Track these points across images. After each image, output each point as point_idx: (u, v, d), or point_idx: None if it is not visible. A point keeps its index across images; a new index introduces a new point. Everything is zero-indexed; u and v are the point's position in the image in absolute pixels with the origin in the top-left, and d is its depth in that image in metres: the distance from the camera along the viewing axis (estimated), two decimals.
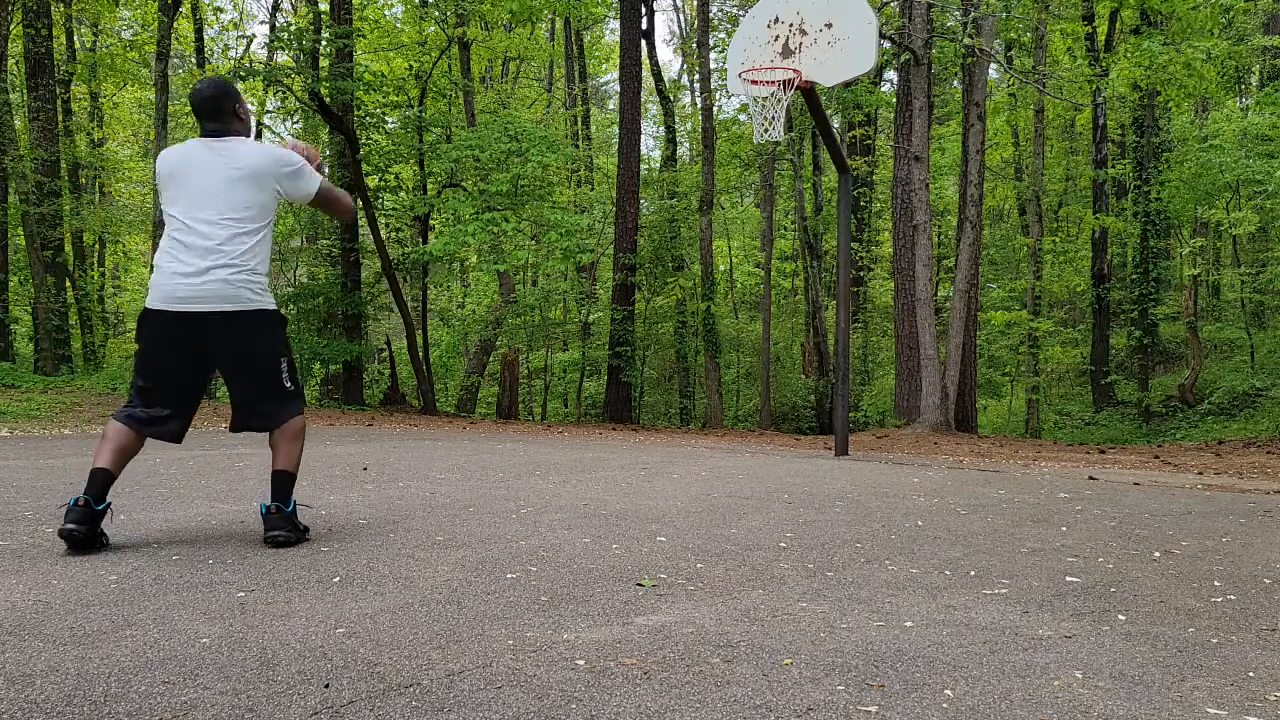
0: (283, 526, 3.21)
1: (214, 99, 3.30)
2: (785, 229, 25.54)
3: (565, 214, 15.87)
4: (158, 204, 17.37)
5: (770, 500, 4.64)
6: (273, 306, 3.34)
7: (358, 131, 15.77)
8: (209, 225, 3.20)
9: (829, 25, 7.26)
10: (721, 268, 24.81)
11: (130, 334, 22.22)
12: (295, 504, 3.35)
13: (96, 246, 22.12)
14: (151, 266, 3.48)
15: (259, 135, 23.81)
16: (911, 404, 13.14)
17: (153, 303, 3.21)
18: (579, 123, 26.34)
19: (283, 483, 3.29)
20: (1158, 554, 3.40)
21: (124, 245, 24.56)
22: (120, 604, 2.38)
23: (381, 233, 16.85)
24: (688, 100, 28.72)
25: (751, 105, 7.62)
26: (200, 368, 3.31)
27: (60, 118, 17.19)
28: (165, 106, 17.32)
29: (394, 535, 3.43)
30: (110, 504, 3.15)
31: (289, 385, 3.35)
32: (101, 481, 3.09)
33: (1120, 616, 2.52)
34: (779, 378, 21.63)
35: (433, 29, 19.42)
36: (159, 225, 17.31)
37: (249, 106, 3.51)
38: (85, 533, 3.01)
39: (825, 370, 20.47)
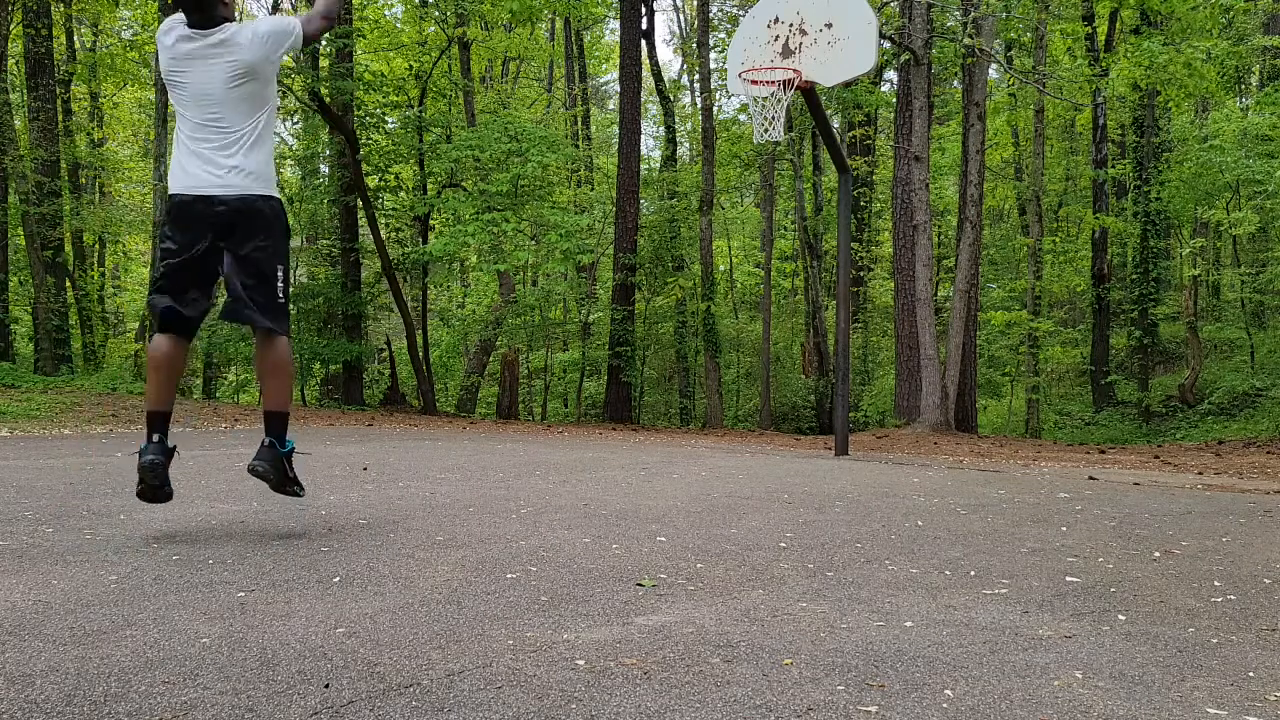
0: (266, 459, 3.23)
1: None
2: (785, 229, 25.55)
3: (565, 214, 15.88)
4: (159, 205, 17.30)
5: (770, 500, 4.64)
6: (278, 198, 3.36)
7: (358, 131, 15.77)
8: (219, 133, 3.21)
9: (829, 25, 7.26)
10: (721, 268, 24.81)
11: (131, 333, 22.26)
12: (292, 447, 3.32)
13: (96, 246, 22.12)
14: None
15: None
16: (911, 404, 13.14)
17: (174, 190, 3.26)
18: (579, 123, 26.34)
19: (273, 422, 3.29)
20: (1158, 554, 3.40)
21: (124, 245, 24.56)
22: (120, 604, 2.38)
23: (381, 233, 16.85)
24: (688, 100, 28.72)
25: (751, 105, 7.63)
26: (214, 251, 3.27)
27: (60, 118, 17.19)
28: (165, 106, 17.32)
29: (394, 535, 3.43)
30: (176, 446, 3.30)
31: (281, 298, 3.31)
32: (161, 422, 3.20)
33: (1120, 616, 2.52)
34: (779, 378, 21.63)
35: (433, 29, 19.42)
36: (159, 226, 17.33)
37: None
38: (164, 463, 3.16)
39: (825, 370, 20.47)
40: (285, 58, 3.36)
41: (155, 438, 3.18)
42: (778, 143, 17.28)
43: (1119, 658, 2.15)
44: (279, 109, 22.10)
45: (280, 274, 3.31)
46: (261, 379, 3.32)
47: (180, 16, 3.24)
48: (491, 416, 18.33)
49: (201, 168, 3.23)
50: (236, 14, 3.37)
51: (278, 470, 3.24)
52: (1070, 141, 24.91)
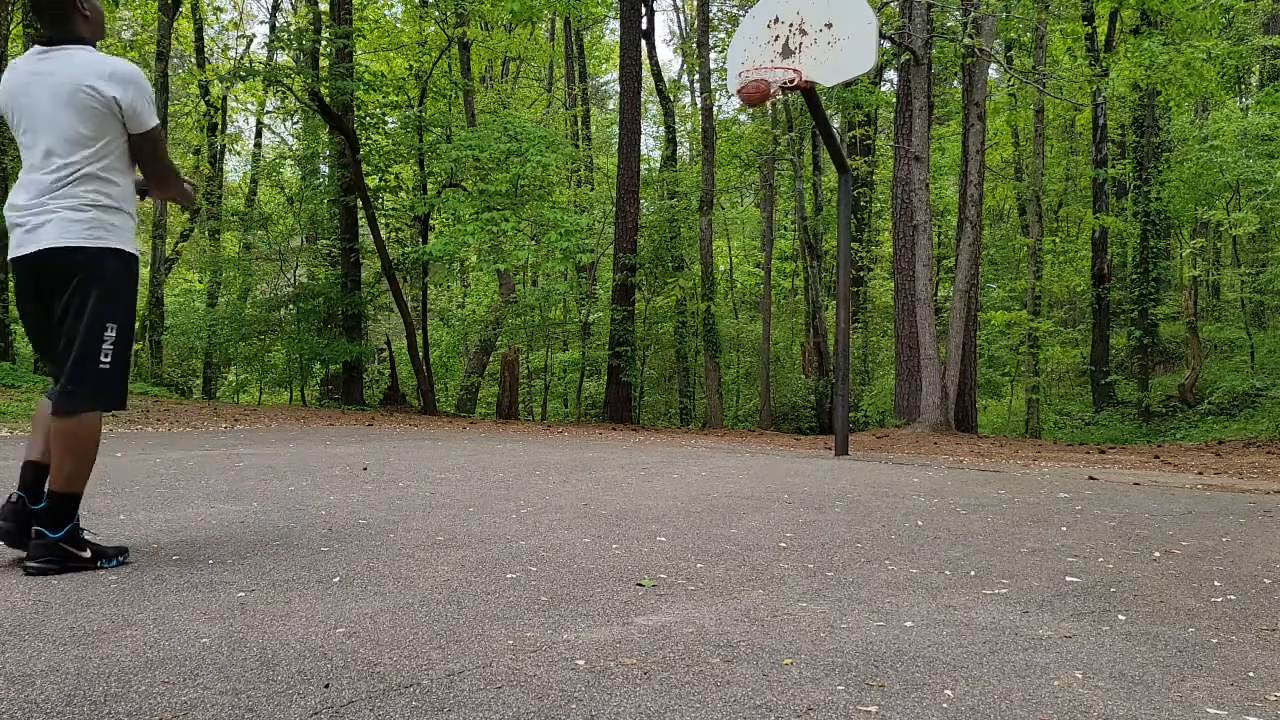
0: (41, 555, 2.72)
1: None
2: (785, 229, 25.55)
3: (565, 214, 15.87)
4: (159, 205, 17.30)
5: (770, 500, 4.64)
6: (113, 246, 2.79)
7: (358, 131, 15.77)
8: (41, 157, 2.76)
9: (829, 25, 7.26)
10: (721, 268, 24.82)
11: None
12: (75, 525, 2.79)
13: None
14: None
15: (259, 135, 23.84)
16: (911, 404, 13.14)
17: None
18: (579, 123, 26.34)
19: (54, 504, 2.74)
20: (1158, 554, 3.40)
21: None
22: (120, 604, 2.38)
23: (381, 233, 16.85)
24: (688, 100, 28.73)
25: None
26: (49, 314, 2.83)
27: None
28: (165, 106, 17.34)
29: (394, 535, 3.43)
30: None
31: (105, 361, 2.76)
32: (32, 476, 2.85)
33: (1120, 616, 2.52)
34: (779, 378, 21.64)
35: (433, 29, 19.42)
36: (158, 226, 17.35)
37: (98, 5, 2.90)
38: (12, 529, 2.81)
39: (825, 370, 20.47)
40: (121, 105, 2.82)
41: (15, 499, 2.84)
42: (778, 143, 17.27)
43: (1119, 658, 2.15)
44: (279, 109, 22.03)
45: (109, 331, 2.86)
46: (51, 444, 2.81)
47: None
48: (491, 416, 18.33)
49: None
50: (101, 33, 2.94)
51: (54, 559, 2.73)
52: (1070, 141, 24.91)
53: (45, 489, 2.77)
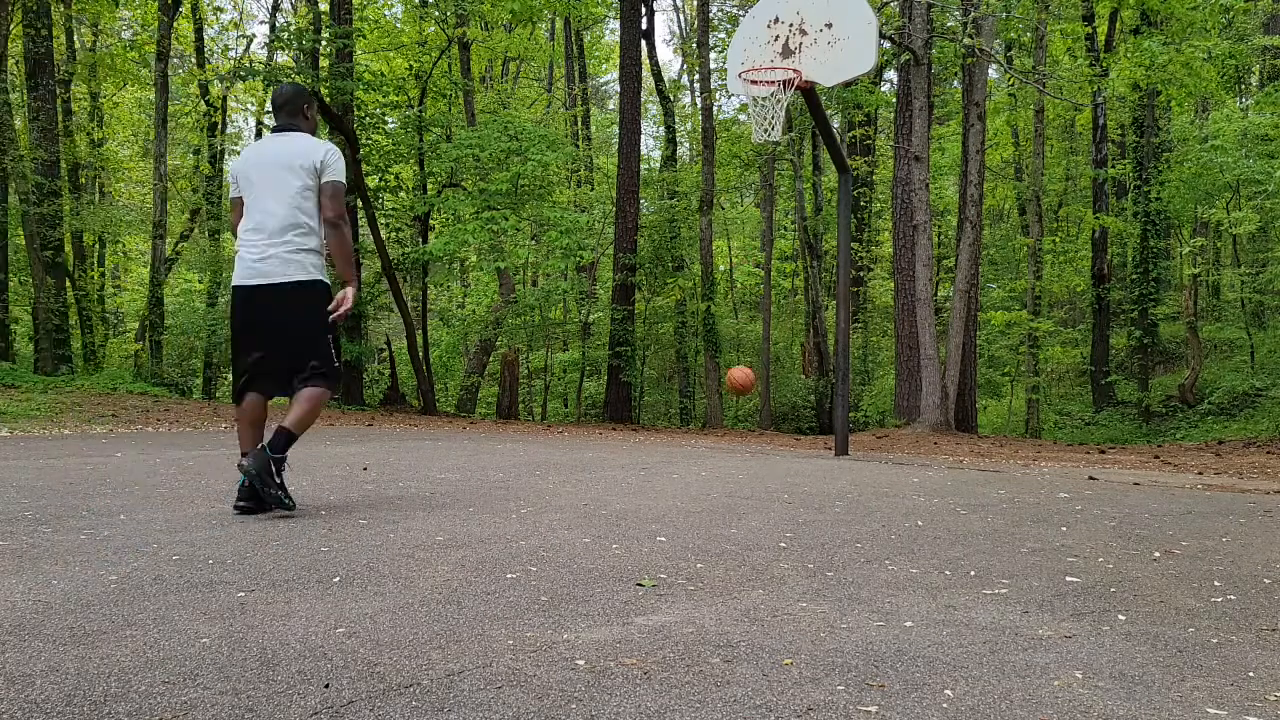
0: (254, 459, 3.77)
1: (290, 97, 3.96)
2: (785, 229, 25.55)
3: (565, 213, 15.87)
4: (159, 205, 17.28)
5: (770, 500, 4.64)
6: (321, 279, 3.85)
7: (358, 131, 15.77)
8: (267, 213, 3.79)
9: (829, 25, 7.26)
10: (721, 268, 24.81)
11: (131, 333, 22.25)
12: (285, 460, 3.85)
13: (96, 246, 22.12)
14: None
15: (259, 135, 23.85)
16: (911, 404, 13.14)
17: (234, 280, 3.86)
18: (579, 123, 26.33)
19: (281, 435, 3.77)
20: (1158, 554, 3.40)
21: (124, 245, 24.56)
22: (120, 604, 2.38)
23: (381, 233, 16.85)
24: (688, 100, 28.73)
25: (751, 105, 7.63)
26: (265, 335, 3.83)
27: (60, 118, 17.19)
28: (165, 106, 17.34)
29: (394, 535, 3.43)
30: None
31: (336, 361, 3.91)
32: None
33: (1120, 616, 2.52)
34: (779, 378, 21.64)
35: (433, 29, 19.42)
36: (159, 226, 17.34)
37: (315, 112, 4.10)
38: (253, 508, 3.76)
39: (825, 370, 20.47)
40: (324, 173, 3.94)
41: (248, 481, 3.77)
42: (777, 143, 17.30)
43: (1119, 658, 2.15)
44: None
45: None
46: (291, 403, 3.86)
47: None
48: (491, 416, 18.33)
49: None
50: (315, 128, 4.13)
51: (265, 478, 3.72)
52: (1070, 141, 24.90)
53: (277, 428, 3.75)
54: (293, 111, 3.93)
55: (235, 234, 3.92)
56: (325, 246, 3.86)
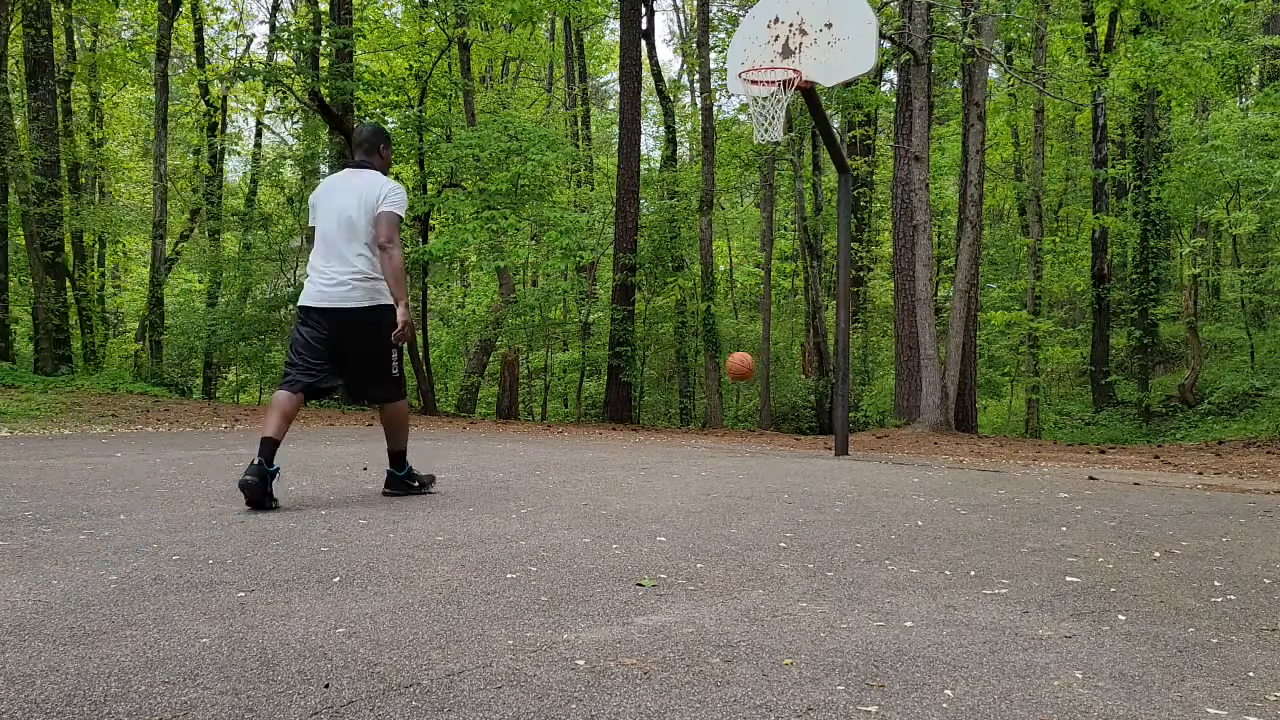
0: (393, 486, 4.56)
1: (368, 136, 4.39)
2: (785, 229, 25.54)
3: (565, 213, 15.86)
4: (159, 205, 17.21)
5: (770, 500, 4.64)
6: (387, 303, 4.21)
7: None
8: (332, 243, 4.19)
9: (829, 25, 7.26)
10: (721, 268, 24.80)
11: (131, 333, 22.26)
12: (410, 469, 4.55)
13: (96, 246, 22.11)
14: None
15: (259, 135, 23.86)
16: (911, 404, 13.14)
17: (303, 300, 4.21)
18: (579, 123, 26.33)
19: (396, 457, 4.52)
20: (1158, 554, 3.40)
21: (124, 245, 24.55)
22: (120, 604, 2.38)
23: None
24: (688, 100, 28.72)
25: (751, 105, 7.63)
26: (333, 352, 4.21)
27: (60, 118, 17.19)
28: (165, 106, 17.34)
29: (394, 535, 3.43)
30: (278, 469, 4.05)
31: (395, 372, 4.31)
32: (269, 449, 3.93)
33: (1120, 616, 2.52)
34: (779, 378, 21.63)
35: (433, 29, 19.41)
36: (159, 226, 17.34)
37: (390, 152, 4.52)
38: (258, 485, 3.86)
39: (825, 370, 20.47)
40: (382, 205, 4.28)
41: (257, 461, 3.94)
42: (778, 143, 17.26)
43: (1119, 658, 2.15)
44: (279, 109, 22.00)
45: (394, 354, 4.41)
46: (385, 426, 4.50)
47: None
48: (491, 416, 18.33)
49: None
50: (389, 168, 4.55)
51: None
52: (1070, 141, 24.90)
53: (388, 450, 4.49)
54: (369, 150, 4.35)
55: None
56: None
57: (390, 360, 4.24)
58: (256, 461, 3.88)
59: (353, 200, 4.15)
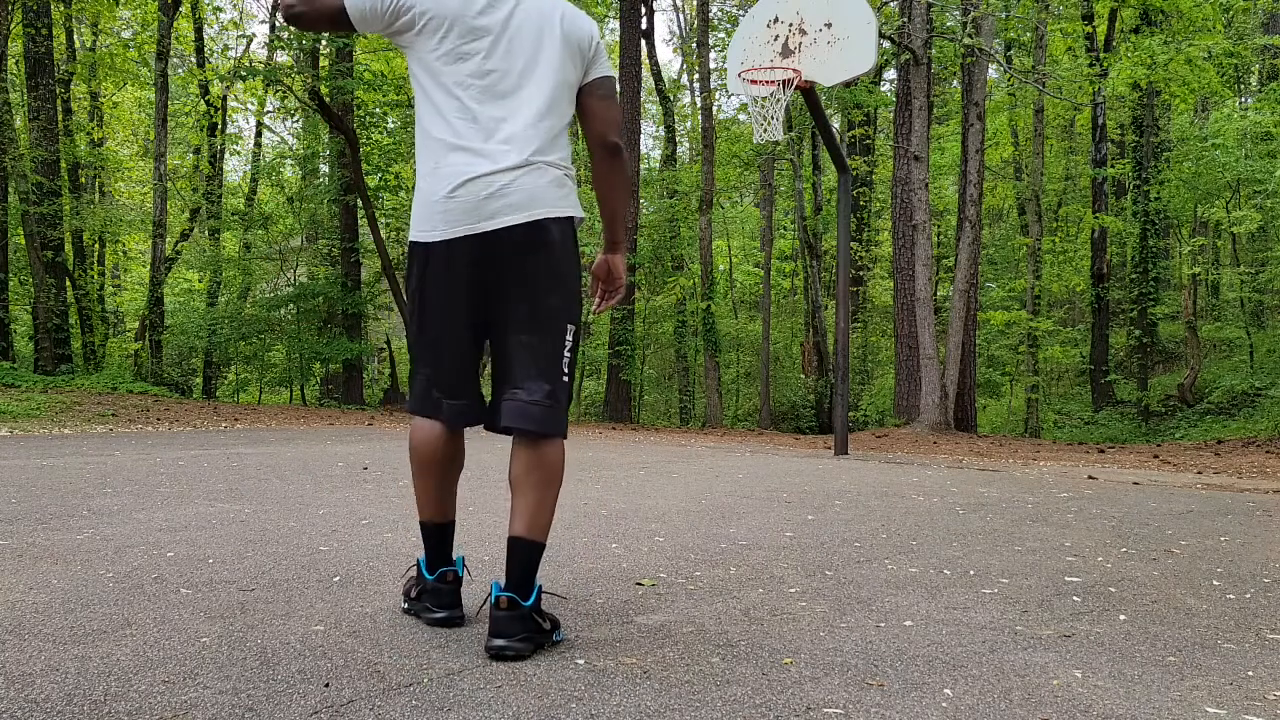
0: (513, 632, 2.02)
1: None
2: (785, 229, 25.54)
3: None
4: (159, 205, 17.25)
5: (770, 500, 4.64)
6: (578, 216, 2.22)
7: (358, 131, 15.77)
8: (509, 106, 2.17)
9: (828, 25, 7.26)
10: (721, 267, 24.81)
11: (131, 333, 22.19)
12: (540, 589, 2.13)
13: (96, 246, 22.09)
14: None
15: (259, 135, 23.82)
16: (911, 403, 13.14)
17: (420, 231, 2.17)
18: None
19: (525, 555, 2.10)
20: (1158, 554, 3.40)
21: (124, 245, 24.53)
22: (120, 604, 2.38)
23: (381, 232, 16.84)
24: (687, 100, 28.71)
25: (751, 105, 7.63)
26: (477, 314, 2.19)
27: (60, 117, 17.17)
28: (165, 106, 17.33)
29: (394, 535, 3.43)
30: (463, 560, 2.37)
31: (566, 374, 2.20)
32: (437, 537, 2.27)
33: (1120, 616, 2.52)
34: (779, 377, 21.64)
35: None
36: (158, 225, 17.32)
37: None
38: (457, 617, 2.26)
39: (825, 370, 20.47)
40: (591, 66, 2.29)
41: (450, 576, 2.29)
42: (777, 142, 17.28)
43: (1119, 658, 2.15)
44: (279, 109, 21.96)
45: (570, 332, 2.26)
46: (517, 485, 2.16)
47: None
48: None
49: None
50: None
51: (529, 638, 2.05)
52: (1070, 141, 24.90)
53: (518, 537, 2.09)
54: None
55: None
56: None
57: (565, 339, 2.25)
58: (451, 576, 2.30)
59: (550, 31, 2.20)
